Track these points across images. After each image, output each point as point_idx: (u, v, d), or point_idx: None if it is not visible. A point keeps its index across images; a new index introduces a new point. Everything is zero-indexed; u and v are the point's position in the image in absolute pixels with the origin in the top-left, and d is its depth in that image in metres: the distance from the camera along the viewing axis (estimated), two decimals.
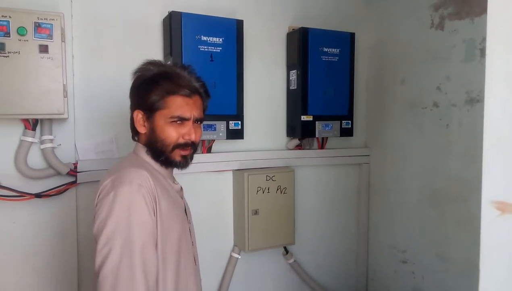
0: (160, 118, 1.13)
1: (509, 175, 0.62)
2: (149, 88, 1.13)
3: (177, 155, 1.16)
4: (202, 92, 1.20)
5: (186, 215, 1.26)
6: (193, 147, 1.18)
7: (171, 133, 1.14)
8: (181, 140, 1.15)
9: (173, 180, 1.26)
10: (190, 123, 1.16)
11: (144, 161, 1.17)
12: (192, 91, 1.15)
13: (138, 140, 1.21)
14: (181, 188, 1.29)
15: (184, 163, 1.19)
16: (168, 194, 1.15)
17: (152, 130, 1.15)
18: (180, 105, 1.14)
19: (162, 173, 1.19)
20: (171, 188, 1.21)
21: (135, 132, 1.21)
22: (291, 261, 2.20)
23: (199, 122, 1.20)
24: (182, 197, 1.28)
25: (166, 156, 1.16)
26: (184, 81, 1.15)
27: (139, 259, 1.01)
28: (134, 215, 1.02)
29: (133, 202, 1.02)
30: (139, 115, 1.16)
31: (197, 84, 1.17)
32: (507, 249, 0.62)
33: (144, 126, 1.16)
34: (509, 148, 0.61)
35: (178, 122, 1.14)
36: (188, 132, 1.15)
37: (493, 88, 0.62)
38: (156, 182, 1.10)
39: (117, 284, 0.99)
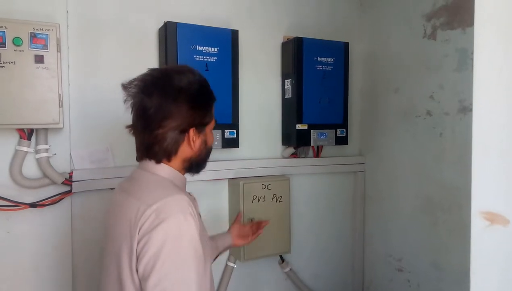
0: (209, 130, 1.15)
1: (498, 186, 0.63)
2: (200, 102, 1.08)
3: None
4: None
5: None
6: None
7: (213, 140, 1.18)
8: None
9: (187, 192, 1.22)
10: None
11: (165, 179, 1.08)
12: None
13: (168, 161, 1.09)
14: (195, 198, 1.23)
15: None
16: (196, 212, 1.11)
17: (204, 144, 1.13)
18: (213, 112, 1.16)
19: (182, 187, 1.14)
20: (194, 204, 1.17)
21: (167, 154, 1.07)
22: (287, 269, 2.19)
23: None
24: (197, 208, 1.21)
25: (206, 162, 1.19)
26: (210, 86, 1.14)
27: None
28: (188, 248, 0.95)
29: (186, 234, 0.96)
30: (193, 133, 1.07)
31: None
32: (497, 260, 0.63)
33: (194, 143, 1.09)
34: (497, 158, 0.63)
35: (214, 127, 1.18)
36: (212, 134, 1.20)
37: (480, 99, 0.63)
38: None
39: None
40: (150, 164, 1.09)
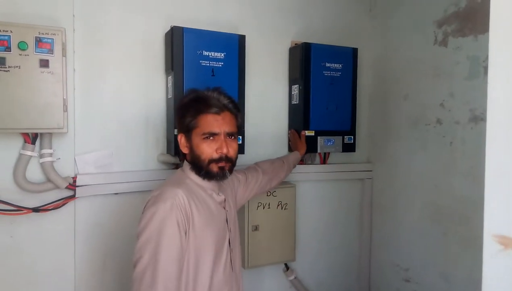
0: (196, 137, 1.28)
1: (511, 208, 0.59)
2: (184, 112, 1.30)
3: (214, 167, 1.27)
4: (231, 108, 1.32)
5: (228, 224, 1.36)
6: (227, 160, 1.28)
7: (205, 149, 1.27)
8: (215, 155, 1.27)
9: (218, 191, 1.36)
10: (221, 138, 1.27)
11: (187, 177, 1.31)
12: (220, 108, 1.28)
13: (185, 159, 1.35)
14: (225, 199, 1.38)
15: (221, 174, 1.28)
16: (207, 209, 1.27)
17: (191, 149, 1.29)
18: (210, 122, 1.26)
19: (204, 187, 1.31)
20: (212, 200, 1.32)
21: (182, 153, 1.36)
22: (292, 277, 2.16)
23: (232, 137, 1.31)
24: (224, 207, 1.37)
25: (205, 170, 1.28)
26: (212, 101, 1.28)
27: (161, 273, 1.12)
28: (165, 233, 1.15)
29: (166, 220, 1.16)
30: (182, 138, 1.32)
31: (225, 101, 1.30)
32: (510, 287, 0.59)
33: (186, 146, 1.31)
34: (510, 180, 0.59)
35: (210, 138, 1.26)
36: (220, 147, 1.27)
37: (495, 111, 0.60)
38: (193, 197, 1.24)
39: (140, 288, 1.12)
40: (184, 162, 1.37)
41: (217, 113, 1.27)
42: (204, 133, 1.26)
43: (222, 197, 1.37)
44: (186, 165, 1.34)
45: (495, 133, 0.61)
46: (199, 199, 1.27)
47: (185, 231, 1.19)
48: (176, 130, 1.45)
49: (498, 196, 0.61)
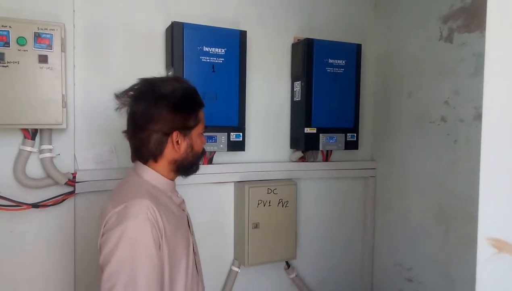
0: (195, 134, 1.20)
1: (506, 211, 0.57)
2: (186, 108, 1.16)
3: (199, 162, 1.26)
4: None
5: (189, 227, 1.28)
6: None
7: (201, 145, 1.23)
8: (202, 148, 1.26)
9: (176, 192, 1.27)
10: None
11: (144, 181, 1.16)
12: None
13: (155, 162, 1.17)
14: (183, 200, 1.31)
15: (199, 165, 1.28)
16: (172, 215, 1.16)
17: (190, 147, 1.19)
18: (203, 117, 1.23)
19: (166, 190, 1.20)
20: (174, 204, 1.21)
21: (153, 156, 1.16)
22: (293, 275, 2.15)
23: None
24: (184, 209, 1.29)
25: (196, 166, 1.24)
26: (198, 93, 1.23)
27: None
28: (140, 252, 1.01)
29: (139, 238, 1.02)
30: (177, 136, 1.15)
31: None
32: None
33: (180, 145, 1.16)
34: (505, 182, 0.57)
35: (203, 132, 1.24)
36: (205, 139, 1.27)
37: (489, 118, 0.58)
38: (160, 207, 1.09)
39: None
40: (139, 165, 1.19)
41: (204, 105, 1.24)
42: (202, 129, 1.23)
43: (181, 198, 1.28)
44: (147, 171, 1.17)
45: (490, 134, 0.59)
46: (164, 205, 1.14)
47: (160, 247, 1.06)
48: (156, 126, 1.15)
49: (492, 199, 0.59)
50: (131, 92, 1.16)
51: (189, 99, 1.18)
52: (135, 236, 1.01)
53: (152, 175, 1.17)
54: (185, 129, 1.16)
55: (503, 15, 0.58)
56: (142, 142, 1.14)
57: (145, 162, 1.17)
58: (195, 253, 1.27)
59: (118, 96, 1.18)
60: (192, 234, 1.30)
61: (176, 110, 1.14)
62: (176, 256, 1.12)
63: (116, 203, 1.07)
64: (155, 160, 1.17)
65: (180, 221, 1.20)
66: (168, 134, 1.14)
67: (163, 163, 1.17)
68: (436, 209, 1.96)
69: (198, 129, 1.21)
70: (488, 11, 0.60)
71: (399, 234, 2.20)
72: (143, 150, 1.15)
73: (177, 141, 1.15)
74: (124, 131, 1.21)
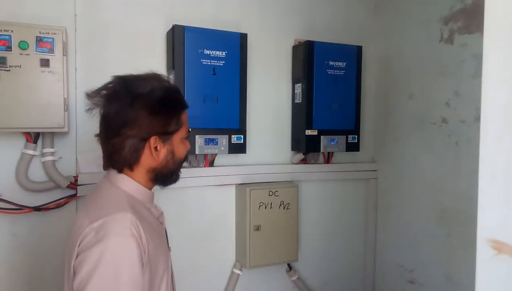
0: (177, 139, 1.07)
1: (505, 213, 0.57)
2: (167, 110, 1.03)
3: (180, 170, 1.13)
4: None
5: (167, 240, 1.18)
6: None
7: (184, 151, 1.10)
8: (184, 155, 1.13)
9: (155, 204, 1.15)
10: None
11: (122, 191, 1.03)
12: None
13: (131, 171, 1.05)
14: (162, 212, 1.17)
15: (180, 173, 1.15)
16: (152, 229, 1.03)
17: (170, 154, 1.06)
18: (187, 119, 1.10)
19: (145, 201, 1.08)
20: (153, 217, 1.10)
21: (128, 164, 1.03)
22: (295, 278, 2.15)
23: None
24: (162, 222, 1.17)
25: (176, 174, 1.11)
26: (182, 93, 1.12)
27: None
28: (124, 274, 0.89)
29: (123, 259, 0.89)
30: (155, 142, 1.03)
31: None
32: None
33: (160, 152, 1.04)
34: (505, 184, 0.57)
35: (186, 137, 1.11)
36: (189, 144, 1.14)
37: (488, 120, 0.58)
38: (142, 221, 0.97)
39: None
40: (113, 173, 1.06)
41: (187, 106, 1.11)
42: (186, 133, 1.10)
43: (160, 210, 1.15)
44: (120, 176, 1.04)
45: (489, 135, 0.59)
46: (145, 219, 1.02)
47: (143, 267, 0.94)
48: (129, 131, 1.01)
49: (492, 200, 0.59)
50: (104, 91, 1.03)
51: (170, 100, 1.05)
52: (118, 256, 0.89)
53: (130, 185, 1.04)
54: (165, 134, 1.04)
55: (500, 17, 0.58)
56: (116, 148, 1.01)
57: (119, 170, 1.04)
58: (171, 268, 1.16)
59: (89, 95, 1.04)
60: (169, 248, 1.19)
61: (154, 112, 1.00)
62: (157, 275, 1.02)
63: (93, 217, 0.93)
64: (131, 168, 1.04)
65: (159, 236, 1.07)
66: (145, 139, 1.01)
67: (140, 171, 1.05)
68: (438, 210, 1.96)
69: (181, 133, 1.08)
70: (485, 13, 0.60)
71: (401, 235, 2.19)
72: (116, 157, 1.02)
73: (156, 148, 1.03)
74: (97, 135, 1.09)
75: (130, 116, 0.99)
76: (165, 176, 1.09)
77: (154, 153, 1.03)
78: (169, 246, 1.19)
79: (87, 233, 0.91)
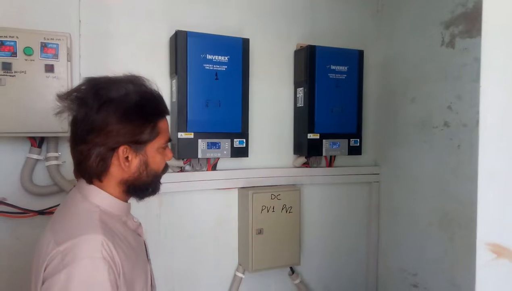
0: (152, 149, 0.98)
1: (505, 217, 0.58)
2: (140, 118, 0.94)
3: (160, 181, 1.05)
4: None
5: (147, 253, 1.11)
6: None
7: (162, 162, 1.01)
8: (163, 166, 1.04)
9: (132, 216, 1.07)
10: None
11: (94, 206, 0.95)
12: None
13: (100, 182, 0.97)
14: (140, 223, 1.10)
15: (160, 185, 1.06)
16: (130, 247, 0.97)
17: (144, 165, 0.98)
18: (166, 127, 1.02)
19: (121, 214, 1.01)
20: (130, 231, 1.02)
21: (96, 174, 0.94)
22: (297, 281, 2.15)
23: None
24: (141, 234, 1.10)
25: (153, 187, 1.02)
26: (163, 99, 1.01)
27: None
28: None
29: (93, 283, 0.82)
30: (125, 152, 0.94)
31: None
32: None
33: (127, 163, 0.96)
34: (503, 187, 0.58)
35: (165, 146, 1.02)
36: (170, 153, 1.05)
37: (486, 124, 0.59)
38: (115, 239, 0.91)
39: None
40: (84, 185, 0.98)
41: (168, 113, 1.02)
42: (164, 143, 1.01)
43: (137, 222, 1.07)
44: (91, 188, 0.96)
45: (488, 139, 0.59)
46: (119, 236, 0.94)
47: (118, 290, 0.87)
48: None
49: (491, 204, 0.60)
50: (75, 94, 0.95)
51: (144, 106, 0.95)
52: (87, 283, 0.81)
53: (103, 198, 0.96)
54: (138, 143, 0.95)
55: (498, 21, 0.59)
56: (83, 156, 0.93)
57: (88, 181, 0.96)
58: (152, 285, 1.09)
59: (60, 97, 0.95)
60: (149, 261, 1.11)
61: (125, 119, 0.92)
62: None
63: (59, 239, 0.85)
64: (100, 179, 0.96)
65: (138, 252, 1.01)
66: (113, 149, 0.93)
67: (111, 182, 0.97)
68: (441, 214, 1.96)
69: (157, 143, 0.99)
70: (483, 18, 0.61)
71: (404, 239, 2.19)
72: (84, 166, 0.94)
73: (127, 158, 0.95)
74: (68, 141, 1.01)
75: (96, 123, 0.91)
76: (138, 188, 1.00)
77: (124, 164, 0.95)
78: (149, 258, 1.12)
79: (53, 256, 0.83)
